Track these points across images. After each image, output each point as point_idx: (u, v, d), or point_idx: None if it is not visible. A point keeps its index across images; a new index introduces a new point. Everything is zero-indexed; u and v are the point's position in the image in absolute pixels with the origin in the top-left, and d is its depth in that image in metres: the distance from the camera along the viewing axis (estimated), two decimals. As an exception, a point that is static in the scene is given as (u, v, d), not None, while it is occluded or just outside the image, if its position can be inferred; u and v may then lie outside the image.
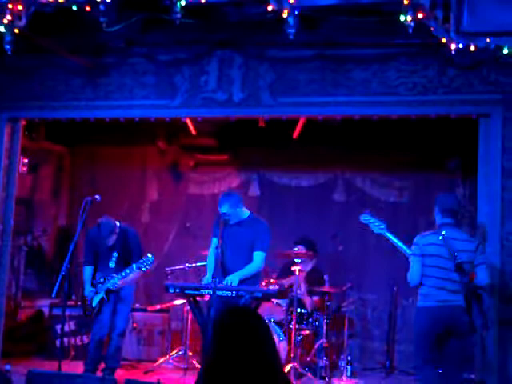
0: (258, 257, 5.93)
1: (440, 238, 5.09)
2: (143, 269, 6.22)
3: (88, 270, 6.58)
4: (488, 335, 5.59)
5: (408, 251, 5.29)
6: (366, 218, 5.60)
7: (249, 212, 6.12)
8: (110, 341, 6.52)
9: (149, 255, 6.23)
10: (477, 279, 5.04)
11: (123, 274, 6.30)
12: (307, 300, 7.32)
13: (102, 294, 6.41)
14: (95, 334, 6.52)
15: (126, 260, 6.47)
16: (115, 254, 6.49)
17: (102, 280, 6.43)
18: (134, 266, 6.23)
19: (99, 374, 6.44)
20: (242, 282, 5.74)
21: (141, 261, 6.21)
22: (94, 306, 6.44)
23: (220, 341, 2.48)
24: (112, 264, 6.49)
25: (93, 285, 6.49)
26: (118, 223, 6.50)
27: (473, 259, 5.10)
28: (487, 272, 5.16)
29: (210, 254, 6.12)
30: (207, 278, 5.87)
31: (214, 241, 6.05)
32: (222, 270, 5.77)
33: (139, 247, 6.59)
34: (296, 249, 7.39)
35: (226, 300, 5.54)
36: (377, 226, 5.52)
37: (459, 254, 5.01)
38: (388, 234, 5.49)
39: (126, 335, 6.82)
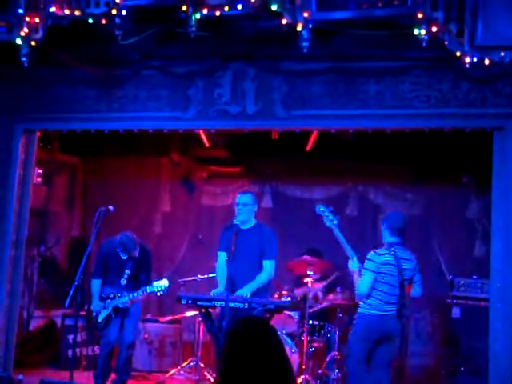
0: (269, 265, 5.94)
1: (392, 256, 5.54)
2: (158, 294, 6.21)
3: (96, 283, 6.58)
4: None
5: (352, 253, 5.63)
6: (321, 209, 5.81)
7: (255, 221, 6.15)
8: (119, 353, 6.50)
9: (166, 282, 6.19)
10: (413, 292, 5.72)
11: (135, 294, 6.28)
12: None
13: (109, 310, 6.37)
14: (102, 348, 6.53)
15: (136, 276, 6.47)
16: (127, 272, 6.46)
17: (111, 296, 6.39)
18: (148, 289, 6.20)
19: (109, 385, 6.46)
20: (254, 293, 5.74)
21: (157, 285, 6.17)
22: (99, 321, 6.42)
23: (232, 350, 2.48)
24: (123, 281, 6.46)
25: (101, 299, 6.47)
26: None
27: (412, 276, 5.69)
28: (421, 286, 5.79)
29: (219, 266, 6.12)
30: (217, 291, 5.88)
31: (222, 254, 6.06)
32: (230, 278, 5.77)
33: (151, 266, 6.63)
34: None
35: (238, 312, 5.53)
36: (330, 219, 5.74)
37: (405, 272, 5.58)
38: (337, 231, 5.70)
39: (135, 346, 6.80)
